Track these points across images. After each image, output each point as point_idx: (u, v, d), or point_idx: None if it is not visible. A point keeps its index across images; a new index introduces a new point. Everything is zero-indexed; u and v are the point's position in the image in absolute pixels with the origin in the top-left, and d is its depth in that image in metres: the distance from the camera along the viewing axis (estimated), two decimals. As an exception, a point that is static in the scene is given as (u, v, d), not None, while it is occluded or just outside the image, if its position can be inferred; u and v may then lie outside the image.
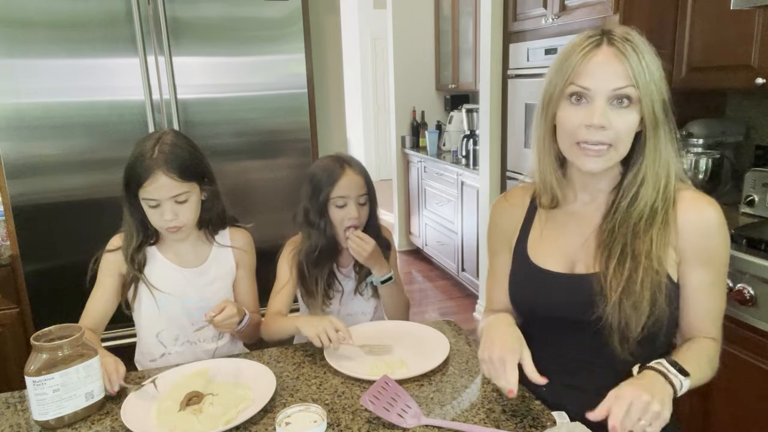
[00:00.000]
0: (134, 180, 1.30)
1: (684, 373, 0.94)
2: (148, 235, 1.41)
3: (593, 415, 0.87)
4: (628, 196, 1.03)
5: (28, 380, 1.04)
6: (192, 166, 1.34)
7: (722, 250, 1.05)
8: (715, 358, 1.06)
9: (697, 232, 1.03)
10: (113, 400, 1.13)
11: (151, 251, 1.42)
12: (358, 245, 1.45)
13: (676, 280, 1.05)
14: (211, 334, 1.46)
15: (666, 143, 1.01)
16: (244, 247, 1.51)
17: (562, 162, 1.09)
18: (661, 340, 1.05)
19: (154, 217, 1.33)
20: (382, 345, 1.30)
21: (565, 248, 1.11)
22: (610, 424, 0.85)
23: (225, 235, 1.50)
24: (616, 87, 0.96)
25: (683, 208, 1.03)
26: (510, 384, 0.95)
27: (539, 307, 1.13)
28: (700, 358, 1.02)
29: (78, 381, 1.07)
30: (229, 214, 1.51)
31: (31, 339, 1.06)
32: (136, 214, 1.37)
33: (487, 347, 1.01)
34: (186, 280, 1.43)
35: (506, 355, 0.98)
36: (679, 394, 0.93)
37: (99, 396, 1.10)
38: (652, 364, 0.95)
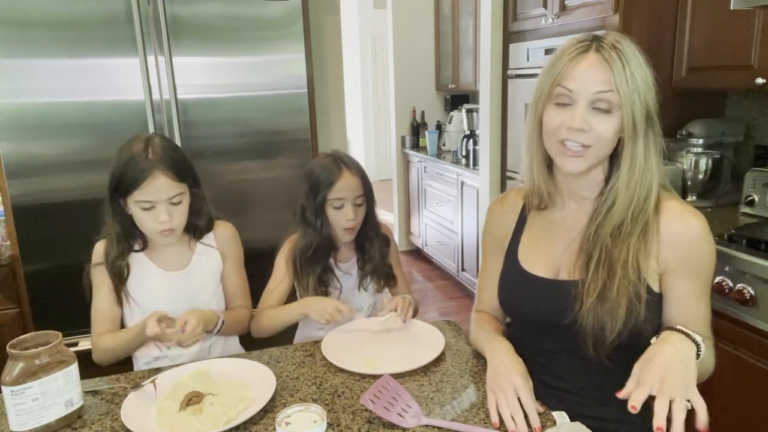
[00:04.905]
0: (128, 182, 1.27)
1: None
2: (131, 243, 1.39)
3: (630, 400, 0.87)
4: (608, 203, 1.05)
5: (6, 390, 1.00)
6: (184, 167, 1.34)
7: (708, 262, 1.05)
8: (713, 353, 1.07)
9: (682, 243, 1.03)
10: (113, 400, 1.13)
11: (138, 258, 1.40)
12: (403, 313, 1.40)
13: (657, 291, 1.05)
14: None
15: (647, 152, 1.02)
16: (228, 240, 1.50)
17: (549, 164, 1.12)
18: (641, 346, 1.03)
19: (147, 220, 1.30)
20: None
21: (552, 254, 1.14)
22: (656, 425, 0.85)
23: (209, 234, 1.47)
24: (597, 90, 0.98)
25: (667, 218, 1.04)
26: (534, 421, 0.97)
27: (524, 310, 1.17)
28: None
29: (57, 389, 1.03)
30: (214, 215, 1.49)
31: (7, 347, 1.01)
32: (120, 220, 1.35)
33: (495, 378, 1.04)
34: (172, 285, 1.41)
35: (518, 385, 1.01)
36: (701, 354, 0.95)
37: (78, 404, 1.07)
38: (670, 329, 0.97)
